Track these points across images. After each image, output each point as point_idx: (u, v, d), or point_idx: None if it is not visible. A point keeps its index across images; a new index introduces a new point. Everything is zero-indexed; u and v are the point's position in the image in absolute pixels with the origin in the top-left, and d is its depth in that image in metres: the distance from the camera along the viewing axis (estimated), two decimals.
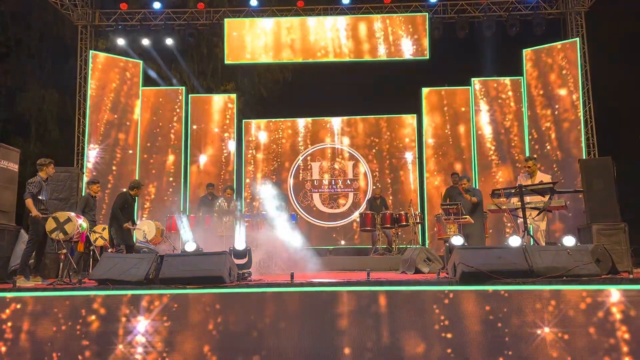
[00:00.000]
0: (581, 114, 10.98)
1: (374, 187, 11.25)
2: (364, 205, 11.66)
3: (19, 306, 4.89)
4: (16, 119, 17.02)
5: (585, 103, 11.20)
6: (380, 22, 12.03)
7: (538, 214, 6.69)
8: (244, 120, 12.67)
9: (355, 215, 11.42)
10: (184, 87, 12.61)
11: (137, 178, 10.98)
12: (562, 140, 11.05)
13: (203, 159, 12.12)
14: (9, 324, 4.83)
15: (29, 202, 6.58)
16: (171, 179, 11.85)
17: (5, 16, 16.71)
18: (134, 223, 7.99)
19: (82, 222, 6.71)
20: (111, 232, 7.69)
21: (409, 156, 12.15)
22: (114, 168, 11.45)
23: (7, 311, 4.88)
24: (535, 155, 10.41)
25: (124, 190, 8.12)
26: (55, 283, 5.83)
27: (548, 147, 11.14)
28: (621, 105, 13.69)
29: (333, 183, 12.24)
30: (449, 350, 4.61)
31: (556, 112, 11.19)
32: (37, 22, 16.73)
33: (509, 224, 10.82)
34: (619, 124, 13.32)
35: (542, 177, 7.29)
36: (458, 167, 11.57)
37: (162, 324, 4.77)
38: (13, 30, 16.85)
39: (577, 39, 11.34)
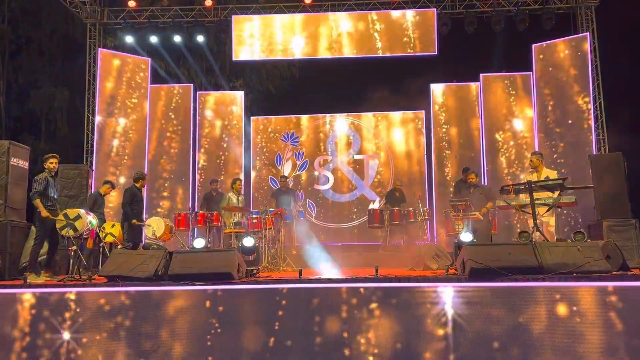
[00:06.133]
0: (591, 109, 10.88)
1: (396, 180, 11.19)
2: (378, 200, 11.69)
3: None
4: (27, 116, 17.17)
5: (596, 98, 11.09)
6: (388, 17, 11.96)
7: (547, 210, 6.64)
8: (252, 117, 12.67)
9: (375, 205, 11.38)
10: (192, 84, 12.64)
11: (145, 174, 11.01)
12: (571, 136, 10.96)
13: (210, 156, 12.14)
14: None
15: (38, 202, 6.59)
16: (180, 175, 11.88)
17: (16, 13, 16.83)
18: (141, 219, 8.04)
19: (92, 219, 6.75)
20: (123, 228, 7.76)
21: (417, 152, 12.11)
22: (122, 165, 11.49)
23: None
24: (540, 151, 10.34)
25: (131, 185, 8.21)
26: (66, 279, 5.89)
27: (557, 142, 11.05)
28: (632, 100, 13.54)
29: (340, 179, 12.22)
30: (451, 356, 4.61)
31: (566, 108, 11.08)
32: (47, 19, 16.84)
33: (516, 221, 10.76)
34: (630, 119, 13.17)
35: (547, 172, 7.23)
36: (467, 162, 11.49)
37: None
38: (24, 27, 16.96)
39: (587, 33, 11.22)
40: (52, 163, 6.79)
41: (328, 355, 4.65)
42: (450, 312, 4.61)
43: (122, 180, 11.21)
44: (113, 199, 10.67)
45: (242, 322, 4.77)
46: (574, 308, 4.51)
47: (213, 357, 4.71)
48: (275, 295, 4.82)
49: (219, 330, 4.76)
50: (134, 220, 7.67)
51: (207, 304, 4.84)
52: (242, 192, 9.72)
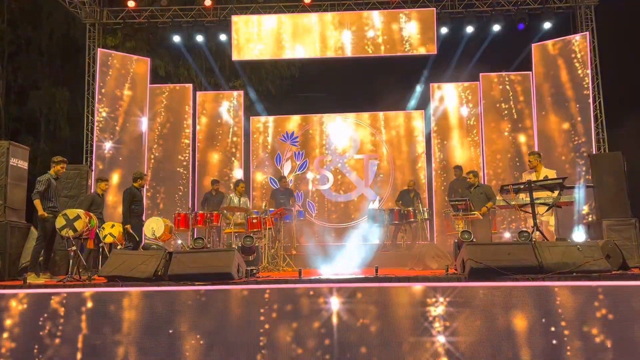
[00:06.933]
0: (591, 108, 10.87)
1: (409, 180, 11.17)
2: (378, 199, 11.69)
3: None
4: (27, 117, 17.14)
5: (595, 98, 11.09)
6: (388, 17, 11.95)
7: (547, 210, 6.63)
8: (251, 117, 12.67)
9: (375, 205, 11.40)
10: (191, 84, 12.64)
11: (144, 174, 11.01)
12: (571, 135, 10.95)
13: (211, 156, 12.14)
14: None
15: (37, 202, 6.67)
16: (179, 175, 11.88)
17: (15, 14, 16.80)
18: (141, 219, 8.05)
19: (92, 219, 6.75)
20: (125, 229, 7.76)
21: (417, 152, 12.11)
22: (121, 165, 11.48)
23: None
24: (538, 151, 10.36)
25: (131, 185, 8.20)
26: (65, 280, 5.88)
27: (557, 142, 11.05)
28: (632, 100, 13.53)
29: (340, 179, 12.22)
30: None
31: (565, 107, 11.08)
32: (47, 20, 16.81)
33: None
34: (630, 119, 13.16)
35: (546, 172, 7.23)
36: (465, 163, 11.48)
37: None
38: (24, 28, 16.93)
39: (587, 33, 11.22)
40: (62, 168, 7.05)
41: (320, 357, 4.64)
42: (447, 312, 4.60)
43: (115, 178, 11.19)
44: (113, 202, 10.66)
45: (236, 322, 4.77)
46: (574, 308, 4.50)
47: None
48: (267, 295, 4.82)
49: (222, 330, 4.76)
50: (127, 226, 7.68)
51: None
52: (245, 194, 9.70)
